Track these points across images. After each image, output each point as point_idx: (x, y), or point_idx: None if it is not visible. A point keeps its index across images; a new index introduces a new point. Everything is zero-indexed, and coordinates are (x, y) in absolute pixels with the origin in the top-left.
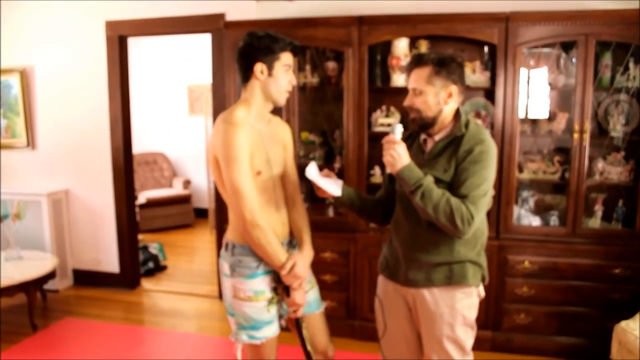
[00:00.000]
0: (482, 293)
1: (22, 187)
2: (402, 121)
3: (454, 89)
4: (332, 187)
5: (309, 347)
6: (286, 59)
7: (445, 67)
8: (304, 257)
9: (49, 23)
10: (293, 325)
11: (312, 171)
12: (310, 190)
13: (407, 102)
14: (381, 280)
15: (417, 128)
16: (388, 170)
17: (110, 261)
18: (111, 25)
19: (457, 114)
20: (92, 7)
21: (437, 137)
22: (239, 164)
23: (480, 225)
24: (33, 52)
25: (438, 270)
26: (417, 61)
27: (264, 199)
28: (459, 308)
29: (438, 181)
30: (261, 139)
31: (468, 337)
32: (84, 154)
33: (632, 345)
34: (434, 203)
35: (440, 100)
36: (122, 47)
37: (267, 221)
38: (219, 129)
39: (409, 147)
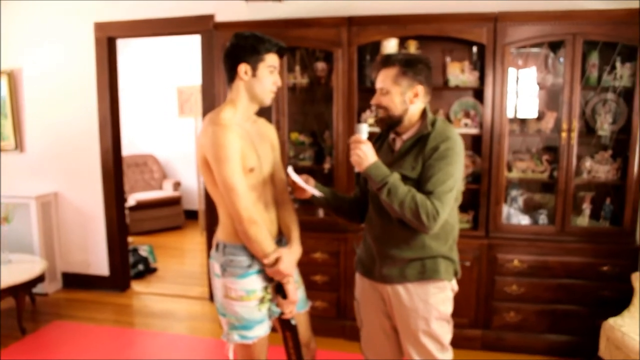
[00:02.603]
0: (455, 287)
1: (10, 190)
2: None
3: (420, 89)
4: (311, 188)
5: (308, 351)
6: (271, 60)
7: (412, 67)
8: (292, 253)
9: (36, 24)
10: (282, 327)
11: (293, 173)
12: None
13: (374, 101)
14: (357, 278)
15: (384, 127)
16: (356, 169)
17: (100, 264)
18: (100, 27)
19: (424, 113)
20: (81, 9)
21: (405, 136)
22: (231, 163)
23: (450, 220)
24: (21, 53)
25: (411, 265)
26: (385, 61)
27: (254, 197)
28: (433, 302)
29: (406, 179)
30: (250, 138)
31: (445, 331)
32: (72, 156)
33: (619, 342)
34: (399, 199)
35: (406, 99)
36: (111, 49)
37: (259, 216)
38: (208, 131)
39: (379, 147)
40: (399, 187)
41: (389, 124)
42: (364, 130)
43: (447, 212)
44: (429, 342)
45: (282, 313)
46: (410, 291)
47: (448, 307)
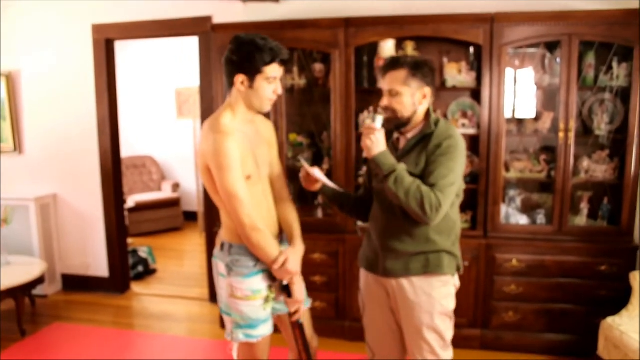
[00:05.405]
0: (457, 283)
1: (9, 192)
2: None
3: (427, 90)
4: (324, 177)
5: (310, 349)
6: (270, 71)
7: (420, 70)
8: (296, 252)
9: (35, 27)
10: (287, 327)
11: (306, 164)
12: (298, 191)
13: (384, 103)
14: (362, 273)
15: (392, 127)
16: (364, 154)
17: (99, 265)
18: (98, 29)
19: (428, 113)
20: (79, 11)
21: (409, 135)
22: (232, 171)
23: (452, 216)
24: (19, 56)
25: (415, 259)
26: (393, 64)
27: (255, 201)
28: (436, 296)
29: (410, 174)
30: (248, 142)
31: (447, 327)
32: (71, 158)
33: (618, 340)
34: (405, 188)
35: (415, 101)
36: (109, 51)
37: (262, 221)
38: (209, 138)
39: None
40: (405, 177)
41: (397, 124)
42: (378, 120)
43: (448, 205)
44: (432, 338)
45: (289, 312)
46: (414, 285)
47: (450, 303)
